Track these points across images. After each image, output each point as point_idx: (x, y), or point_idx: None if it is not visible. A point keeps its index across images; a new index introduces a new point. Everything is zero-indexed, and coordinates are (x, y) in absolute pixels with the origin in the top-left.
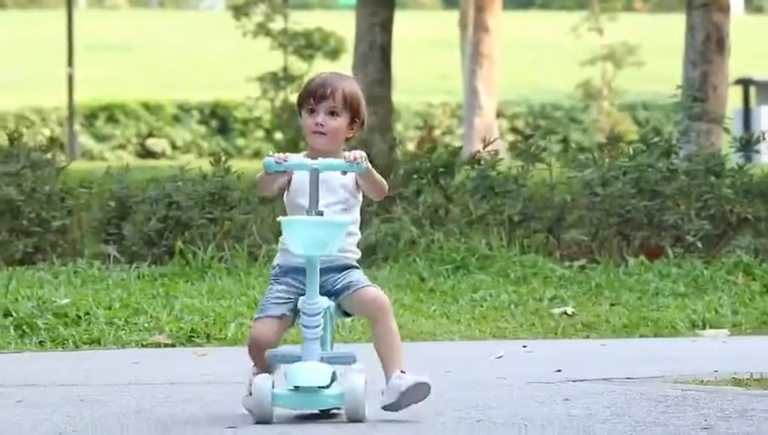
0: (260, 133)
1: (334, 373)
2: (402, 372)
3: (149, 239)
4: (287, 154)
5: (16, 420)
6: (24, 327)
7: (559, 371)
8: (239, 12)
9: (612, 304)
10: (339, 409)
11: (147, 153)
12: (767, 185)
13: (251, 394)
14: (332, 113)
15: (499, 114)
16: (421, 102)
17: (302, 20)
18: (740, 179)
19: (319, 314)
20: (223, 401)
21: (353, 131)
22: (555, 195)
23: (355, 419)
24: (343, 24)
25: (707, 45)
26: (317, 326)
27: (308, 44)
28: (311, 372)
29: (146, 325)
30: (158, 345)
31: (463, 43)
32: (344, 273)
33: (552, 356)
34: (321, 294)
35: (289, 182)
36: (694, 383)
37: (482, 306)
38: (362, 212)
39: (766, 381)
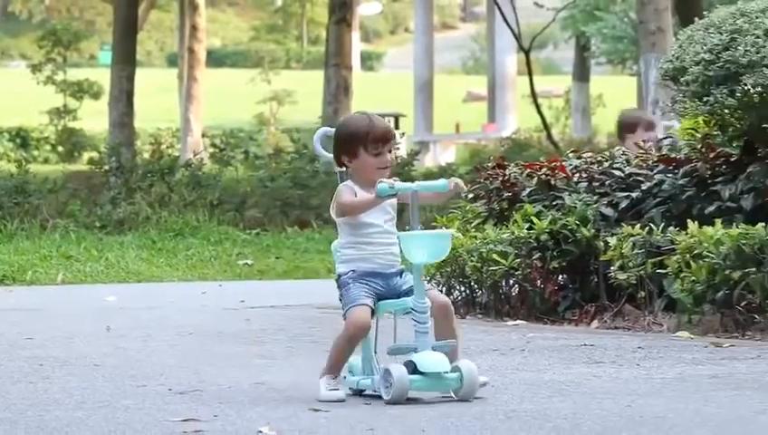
0: (48, 147)
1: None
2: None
3: None
4: (394, 180)
5: None
6: None
7: (242, 301)
8: (35, 68)
9: (277, 258)
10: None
11: None
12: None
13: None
14: (390, 150)
15: (204, 135)
16: (153, 127)
17: (75, 74)
18: None
19: (427, 311)
20: (23, 322)
21: None
22: (240, 187)
23: (468, 398)
24: (103, 76)
25: (338, 91)
26: (426, 322)
27: (80, 89)
28: (436, 360)
29: None
30: None
31: (180, 89)
32: (403, 276)
33: (238, 292)
34: (392, 296)
35: None
36: (329, 308)
37: (192, 259)
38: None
39: None
